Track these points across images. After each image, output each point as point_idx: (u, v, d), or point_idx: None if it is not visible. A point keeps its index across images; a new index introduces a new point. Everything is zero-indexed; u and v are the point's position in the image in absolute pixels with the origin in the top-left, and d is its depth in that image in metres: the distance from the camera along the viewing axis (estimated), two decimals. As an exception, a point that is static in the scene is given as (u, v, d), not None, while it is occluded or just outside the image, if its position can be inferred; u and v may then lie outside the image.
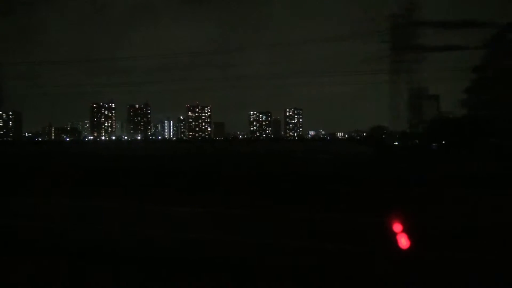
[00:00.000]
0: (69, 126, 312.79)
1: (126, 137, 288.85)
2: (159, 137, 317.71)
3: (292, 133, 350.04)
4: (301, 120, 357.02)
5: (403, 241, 8.80)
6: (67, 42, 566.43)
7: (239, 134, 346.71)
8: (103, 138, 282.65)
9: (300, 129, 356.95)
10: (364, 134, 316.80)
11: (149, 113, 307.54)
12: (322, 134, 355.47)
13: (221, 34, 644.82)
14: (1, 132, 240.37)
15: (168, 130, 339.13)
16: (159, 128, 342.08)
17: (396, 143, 79.52)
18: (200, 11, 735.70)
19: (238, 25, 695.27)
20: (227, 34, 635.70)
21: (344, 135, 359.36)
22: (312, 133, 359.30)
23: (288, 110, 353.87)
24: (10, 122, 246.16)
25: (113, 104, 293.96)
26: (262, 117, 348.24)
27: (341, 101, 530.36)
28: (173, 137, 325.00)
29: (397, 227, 9.42)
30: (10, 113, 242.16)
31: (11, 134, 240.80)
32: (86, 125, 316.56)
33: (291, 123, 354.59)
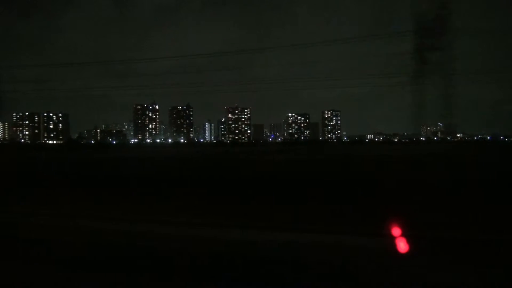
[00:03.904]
0: (103, 128, 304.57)
1: (169, 140, 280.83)
2: (201, 140, 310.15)
3: (331, 135, 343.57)
4: (339, 122, 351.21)
5: None
6: (88, 44, 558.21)
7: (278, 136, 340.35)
8: (148, 140, 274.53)
9: (339, 131, 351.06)
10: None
11: (191, 115, 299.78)
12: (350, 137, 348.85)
13: (245, 36, 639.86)
14: (51, 135, 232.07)
15: (209, 133, 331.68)
16: (193, 130, 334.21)
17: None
18: (224, 12, 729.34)
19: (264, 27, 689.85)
20: (253, 36, 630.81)
21: (379, 137, 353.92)
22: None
23: (326, 112, 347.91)
24: (60, 124, 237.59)
25: (156, 106, 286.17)
26: (300, 119, 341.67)
27: (360, 103, 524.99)
28: (214, 140, 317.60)
29: None
30: (60, 114, 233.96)
31: (60, 137, 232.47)
32: (124, 127, 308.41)
33: (329, 125, 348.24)
